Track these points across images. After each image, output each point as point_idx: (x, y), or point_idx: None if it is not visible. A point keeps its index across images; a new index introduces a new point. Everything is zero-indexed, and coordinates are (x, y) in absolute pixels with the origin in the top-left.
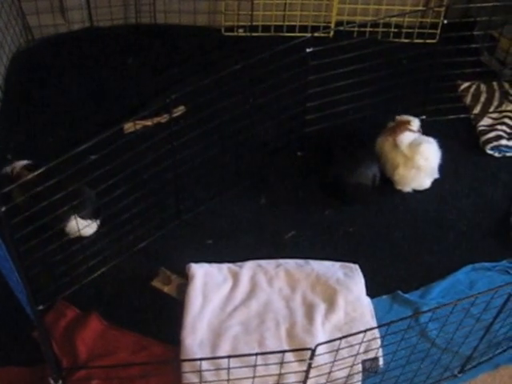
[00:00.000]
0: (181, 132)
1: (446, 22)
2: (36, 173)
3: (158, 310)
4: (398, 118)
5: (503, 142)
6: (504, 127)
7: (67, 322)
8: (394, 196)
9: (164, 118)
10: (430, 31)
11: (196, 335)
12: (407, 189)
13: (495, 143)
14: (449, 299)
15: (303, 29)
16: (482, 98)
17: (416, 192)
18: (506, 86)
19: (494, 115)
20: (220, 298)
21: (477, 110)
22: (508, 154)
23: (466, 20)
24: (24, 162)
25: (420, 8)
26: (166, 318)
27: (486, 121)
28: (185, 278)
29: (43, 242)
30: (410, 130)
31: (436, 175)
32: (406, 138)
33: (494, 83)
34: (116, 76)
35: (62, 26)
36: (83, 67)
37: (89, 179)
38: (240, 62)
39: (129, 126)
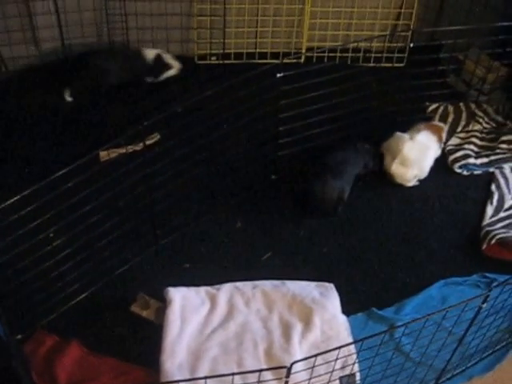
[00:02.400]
0: (156, 159)
1: (412, 45)
2: (11, 200)
3: (137, 334)
4: (433, 123)
5: (471, 160)
6: (471, 146)
7: (47, 350)
8: (366, 215)
9: (139, 146)
10: (398, 55)
11: (175, 358)
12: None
13: (463, 162)
14: (422, 314)
15: (275, 55)
16: (450, 119)
17: (387, 210)
18: (473, 106)
19: (462, 135)
20: (198, 321)
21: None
22: (476, 172)
23: (432, 43)
24: None
25: (387, 33)
26: (145, 342)
27: (453, 140)
28: (163, 303)
29: (20, 271)
30: (440, 137)
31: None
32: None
33: (461, 104)
34: (92, 104)
35: (35, 56)
36: (58, 96)
37: (66, 206)
38: (212, 88)
39: (104, 155)
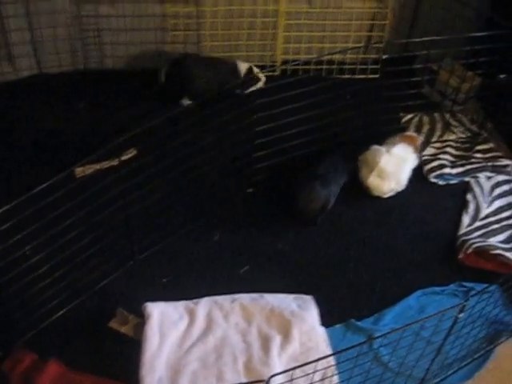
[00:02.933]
0: (133, 173)
1: (385, 57)
2: None
3: (117, 350)
4: (408, 133)
5: (446, 170)
6: (447, 156)
7: (25, 368)
8: (343, 226)
9: (116, 161)
10: (372, 67)
11: (155, 373)
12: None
13: (439, 172)
14: (401, 324)
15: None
16: (425, 129)
17: (364, 221)
18: (447, 116)
19: (437, 145)
20: (177, 336)
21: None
22: (451, 182)
23: (406, 54)
24: None
25: (361, 45)
26: (124, 358)
27: (429, 150)
28: (142, 318)
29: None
30: (416, 147)
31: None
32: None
33: (436, 114)
34: (66, 121)
35: (10, 73)
36: (33, 113)
37: (43, 222)
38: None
39: (80, 171)
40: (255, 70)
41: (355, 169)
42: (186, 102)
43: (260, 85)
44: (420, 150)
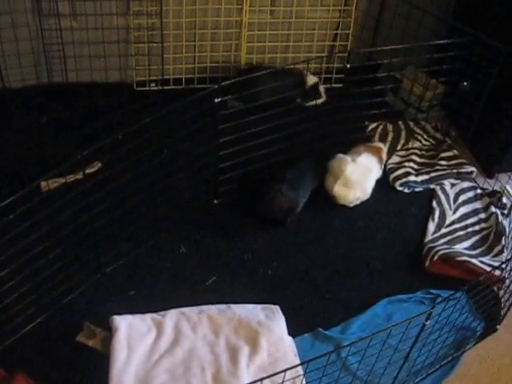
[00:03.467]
0: (98, 186)
1: (349, 66)
2: None
3: (85, 364)
4: (373, 144)
5: (411, 178)
6: (411, 164)
7: None
8: (310, 235)
9: (80, 175)
10: (337, 76)
11: None
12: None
13: (404, 180)
14: (368, 332)
15: (214, 80)
16: (389, 137)
17: (330, 230)
18: (411, 124)
19: (402, 153)
20: (145, 348)
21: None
22: (417, 190)
23: (369, 63)
24: None
25: (324, 54)
26: (92, 371)
27: (394, 159)
28: (109, 331)
29: None
30: (380, 158)
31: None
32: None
33: (400, 122)
34: (30, 136)
35: None
36: None
37: (8, 237)
38: (152, 115)
39: (45, 185)
40: (321, 87)
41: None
42: (237, 103)
43: (320, 101)
44: (384, 161)
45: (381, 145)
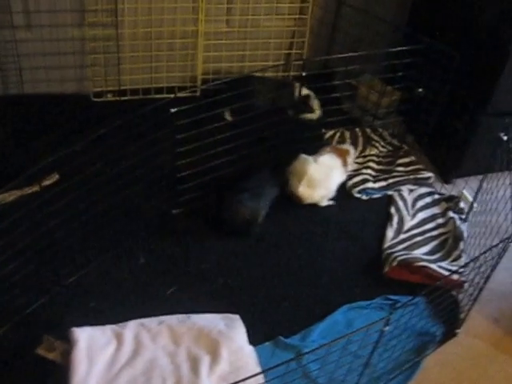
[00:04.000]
0: (56, 199)
1: (305, 74)
2: None
3: (45, 377)
4: (340, 146)
5: (369, 184)
6: (369, 170)
7: None
8: (268, 244)
9: (37, 187)
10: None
11: None
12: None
13: (362, 186)
14: (329, 340)
15: (171, 90)
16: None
17: (289, 237)
18: (368, 131)
19: (359, 160)
20: (105, 360)
21: None
22: (375, 196)
23: (326, 71)
24: None
25: (280, 63)
26: None
27: (351, 166)
28: (69, 344)
29: None
30: (345, 161)
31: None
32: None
33: (357, 129)
34: None
35: None
36: None
37: None
38: (109, 126)
39: (1, 198)
40: (314, 101)
41: (285, 183)
42: (228, 117)
43: (313, 117)
44: (349, 164)
45: (349, 147)
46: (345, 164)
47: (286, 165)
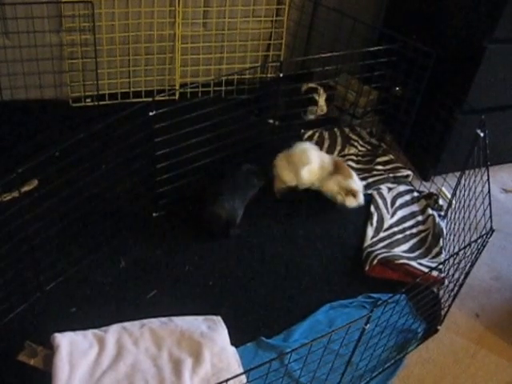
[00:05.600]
0: (35, 204)
1: (282, 75)
2: None
3: (27, 383)
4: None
5: None
6: None
7: None
8: (248, 244)
9: (16, 193)
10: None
11: None
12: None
13: None
14: (311, 339)
15: (149, 93)
16: (326, 144)
17: (268, 237)
18: (347, 130)
19: None
20: (87, 365)
21: None
22: None
23: (303, 72)
24: None
25: (258, 65)
26: None
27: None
28: (51, 349)
29: None
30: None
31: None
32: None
33: (335, 129)
34: None
35: None
36: None
37: None
38: (88, 130)
39: None
40: (321, 96)
41: (265, 183)
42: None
43: (319, 112)
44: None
45: (359, 187)
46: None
47: (263, 165)
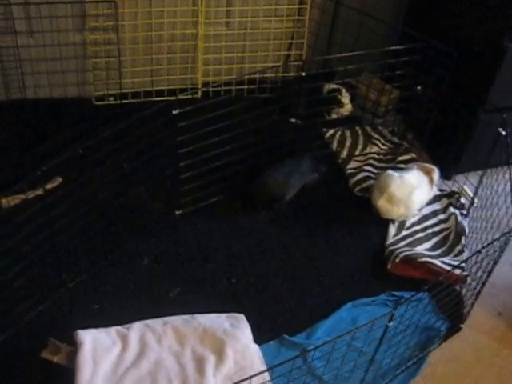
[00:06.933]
0: (59, 202)
1: (304, 74)
2: None
3: (50, 380)
4: (425, 164)
5: (371, 182)
6: (370, 168)
7: None
8: (270, 243)
9: (40, 191)
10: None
11: None
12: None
13: (364, 185)
14: (334, 337)
15: (172, 92)
16: (347, 143)
17: (293, 236)
18: (368, 129)
19: (360, 158)
20: (110, 362)
21: (343, 154)
22: None
23: (325, 71)
24: None
25: (279, 64)
26: None
27: (353, 164)
28: (74, 346)
29: None
30: (431, 178)
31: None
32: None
33: (357, 128)
34: None
35: None
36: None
37: None
38: (111, 129)
39: (5, 202)
40: (344, 96)
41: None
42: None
43: (345, 113)
44: (436, 183)
45: (433, 166)
46: (431, 182)
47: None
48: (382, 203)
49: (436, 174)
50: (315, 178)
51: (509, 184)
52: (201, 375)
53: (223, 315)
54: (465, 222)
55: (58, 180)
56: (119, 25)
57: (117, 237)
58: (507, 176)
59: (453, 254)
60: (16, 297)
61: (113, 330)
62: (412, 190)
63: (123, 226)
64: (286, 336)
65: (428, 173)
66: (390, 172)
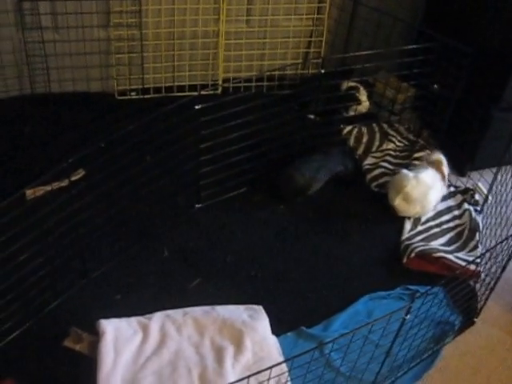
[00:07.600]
0: (82, 194)
1: (323, 72)
2: None
3: (72, 369)
4: (434, 157)
5: (387, 178)
6: (386, 164)
7: None
8: (289, 237)
9: (65, 182)
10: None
11: None
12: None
13: (380, 181)
14: (350, 329)
15: (193, 88)
16: (364, 140)
17: (310, 230)
18: (385, 126)
19: (377, 154)
20: (132, 351)
21: (360, 150)
22: None
23: (343, 69)
24: None
25: (299, 61)
26: (80, 376)
27: (369, 160)
28: (96, 335)
29: None
30: (442, 174)
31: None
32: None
33: (374, 125)
34: (14, 145)
35: None
36: None
37: None
38: (134, 123)
39: (31, 193)
40: (362, 93)
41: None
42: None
43: (362, 110)
44: (447, 177)
45: (439, 155)
46: (443, 177)
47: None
48: (398, 203)
49: (445, 167)
50: (343, 170)
51: None
52: (220, 365)
53: (242, 307)
54: (479, 218)
55: (81, 172)
56: (143, 21)
57: (138, 228)
58: None
59: (467, 250)
60: (40, 286)
61: (134, 319)
62: (427, 190)
63: (144, 218)
64: (303, 328)
65: (438, 168)
66: (405, 172)
